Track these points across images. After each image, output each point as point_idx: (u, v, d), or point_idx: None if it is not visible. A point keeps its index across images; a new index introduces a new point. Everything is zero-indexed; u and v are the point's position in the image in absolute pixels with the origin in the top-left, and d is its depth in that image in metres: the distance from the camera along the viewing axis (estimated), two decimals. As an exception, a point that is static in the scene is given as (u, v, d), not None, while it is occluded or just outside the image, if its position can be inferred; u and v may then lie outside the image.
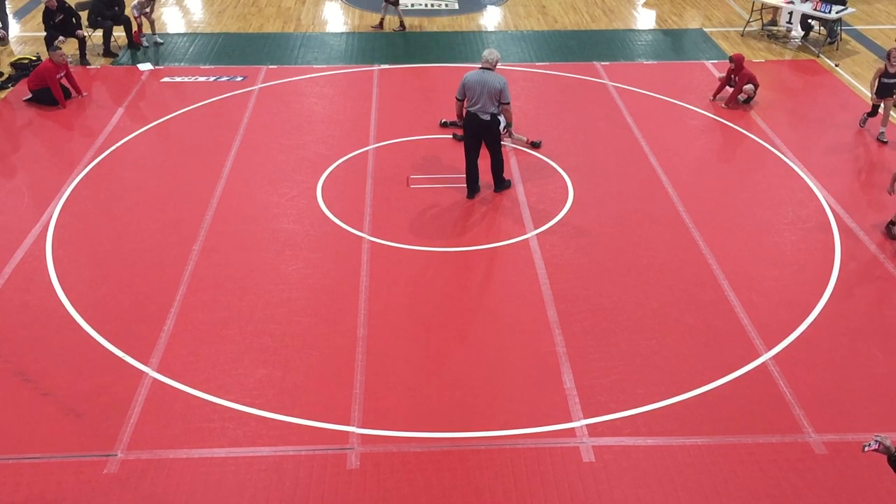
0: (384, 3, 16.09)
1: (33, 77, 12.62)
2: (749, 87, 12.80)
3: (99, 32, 15.34)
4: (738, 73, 12.79)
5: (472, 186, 10.40)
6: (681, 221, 9.94)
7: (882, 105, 11.97)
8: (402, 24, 16.24)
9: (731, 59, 12.88)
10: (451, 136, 11.87)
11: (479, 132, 10.03)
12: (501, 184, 10.54)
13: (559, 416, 7.05)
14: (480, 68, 9.90)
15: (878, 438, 5.15)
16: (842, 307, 8.48)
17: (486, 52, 9.98)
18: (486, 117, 9.88)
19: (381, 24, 16.30)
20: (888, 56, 11.80)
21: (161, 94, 13.41)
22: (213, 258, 9.15)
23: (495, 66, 9.94)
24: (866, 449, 5.17)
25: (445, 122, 12.26)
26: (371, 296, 8.55)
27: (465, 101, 10.04)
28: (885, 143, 11.71)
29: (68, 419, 6.97)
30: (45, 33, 14.14)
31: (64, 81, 12.78)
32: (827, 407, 7.19)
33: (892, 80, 11.77)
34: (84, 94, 13.05)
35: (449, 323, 8.20)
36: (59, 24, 13.96)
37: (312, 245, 9.43)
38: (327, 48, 15.43)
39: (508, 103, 9.97)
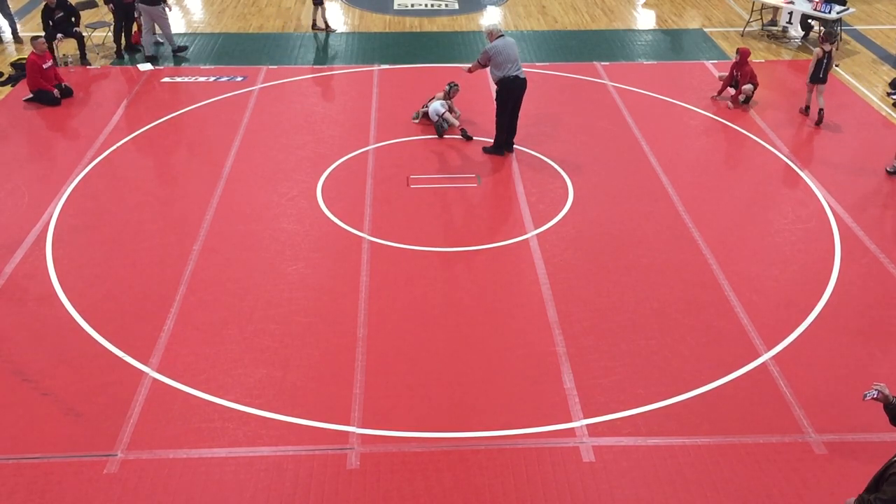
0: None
1: (29, 76, 12.66)
2: (748, 87, 12.81)
3: (100, 32, 15.37)
4: (741, 68, 12.79)
5: (502, 146, 11.38)
6: (681, 221, 9.94)
7: None
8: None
9: (738, 52, 12.88)
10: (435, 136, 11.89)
11: (518, 93, 11.01)
12: (512, 144, 11.54)
13: (559, 416, 7.05)
14: (499, 37, 10.90)
15: (878, 387, 5.34)
16: (842, 307, 8.47)
17: (497, 26, 11.15)
18: (524, 76, 11.01)
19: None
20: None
21: (161, 94, 13.41)
22: (213, 258, 9.15)
23: None
24: (867, 397, 5.37)
25: (423, 113, 12.45)
26: (371, 296, 8.55)
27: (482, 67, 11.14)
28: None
29: (68, 419, 6.97)
30: (44, 33, 14.14)
31: (55, 75, 12.90)
32: (827, 407, 7.19)
33: None
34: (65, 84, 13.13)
35: (449, 323, 8.20)
36: (58, 21, 13.95)
37: (312, 245, 9.43)
38: (327, 48, 15.43)
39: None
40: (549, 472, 6.51)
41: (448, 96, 12.20)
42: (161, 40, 15.46)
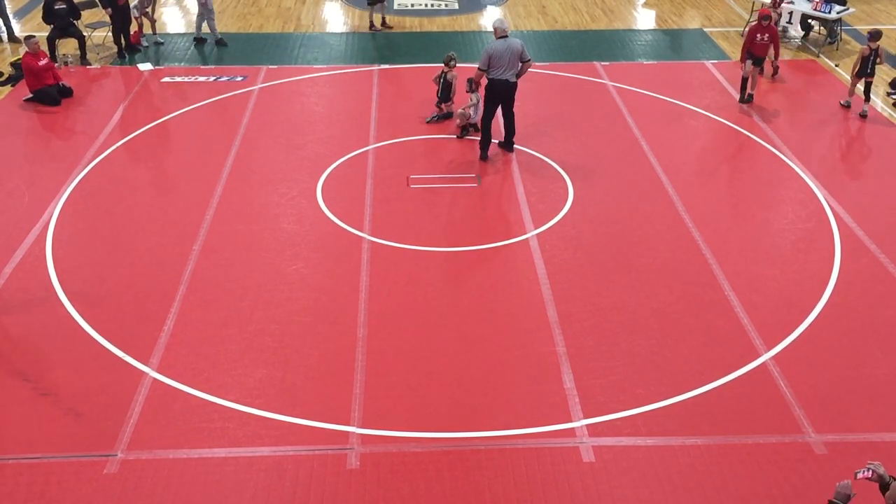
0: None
1: (26, 76, 12.67)
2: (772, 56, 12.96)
3: (100, 32, 15.36)
4: (769, 30, 12.65)
5: (487, 147, 11.28)
6: (681, 221, 9.94)
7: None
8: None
9: (760, 17, 12.69)
10: (438, 136, 11.90)
11: (506, 95, 10.97)
12: (512, 144, 11.49)
13: (559, 416, 7.05)
14: (500, 37, 10.76)
15: (872, 466, 5.01)
16: (842, 307, 8.47)
17: (502, 23, 10.90)
18: (514, 80, 10.90)
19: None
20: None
21: (161, 94, 13.41)
22: (213, 258, 9.15)
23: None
24: (859, 476, 5.02)
25: (436, 116, 12.46)
26: (371, 296, 8.55)
27: (486, 72, 10.88)
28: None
29: (68, 419, 6.97)
30: (45, 34, 14.14)
31: (53, 74, 12.89)
32: (827, 407, 7.19)
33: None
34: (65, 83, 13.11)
35: (449, 323, 8.20)
36: (59, 13, 13.87)
37: (312, 245, 9.43)
38: (327, 48, 15.44)
39: (529, 60, 10.91)
40: (549, 472, 6.51)
41: (450, 68, 12.30)
42: (161, 41, 15.48)
